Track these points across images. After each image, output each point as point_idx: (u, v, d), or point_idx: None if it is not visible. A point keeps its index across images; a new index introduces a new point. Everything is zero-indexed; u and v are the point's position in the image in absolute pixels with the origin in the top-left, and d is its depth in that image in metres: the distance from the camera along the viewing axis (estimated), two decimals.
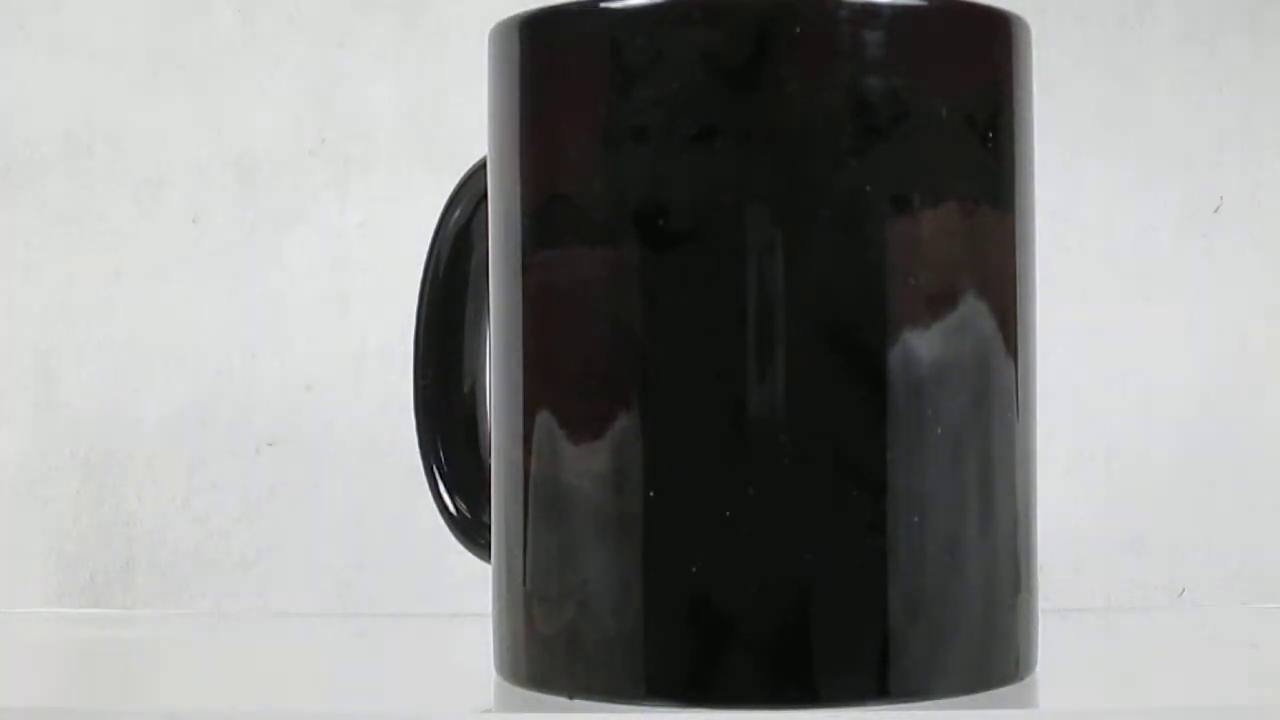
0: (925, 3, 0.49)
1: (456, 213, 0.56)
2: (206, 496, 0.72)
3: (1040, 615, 0.51)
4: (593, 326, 0.48)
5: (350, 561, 0.72)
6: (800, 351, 0.47)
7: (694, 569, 0.47)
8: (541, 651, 0.49)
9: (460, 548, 0.56)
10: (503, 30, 0.51)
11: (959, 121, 0.49)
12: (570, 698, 0.49)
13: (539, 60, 0.50)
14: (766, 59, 0.47)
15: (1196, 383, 0.72)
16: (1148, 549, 0.72)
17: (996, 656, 0.49)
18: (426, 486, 0.56)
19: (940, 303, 0.48)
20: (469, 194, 0.56)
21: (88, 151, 0.73)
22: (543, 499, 0.49)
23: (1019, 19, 0.51)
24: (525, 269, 0.50)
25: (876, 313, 0.47)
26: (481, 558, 0.54)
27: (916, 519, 0.48)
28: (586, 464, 0.48)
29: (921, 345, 0.48)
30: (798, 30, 0.47)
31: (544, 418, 0.49)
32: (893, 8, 0.48)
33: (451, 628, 0.65)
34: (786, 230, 0.47)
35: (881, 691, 0.48)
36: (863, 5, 0.48)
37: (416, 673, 0.57)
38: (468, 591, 0.57)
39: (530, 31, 0.50)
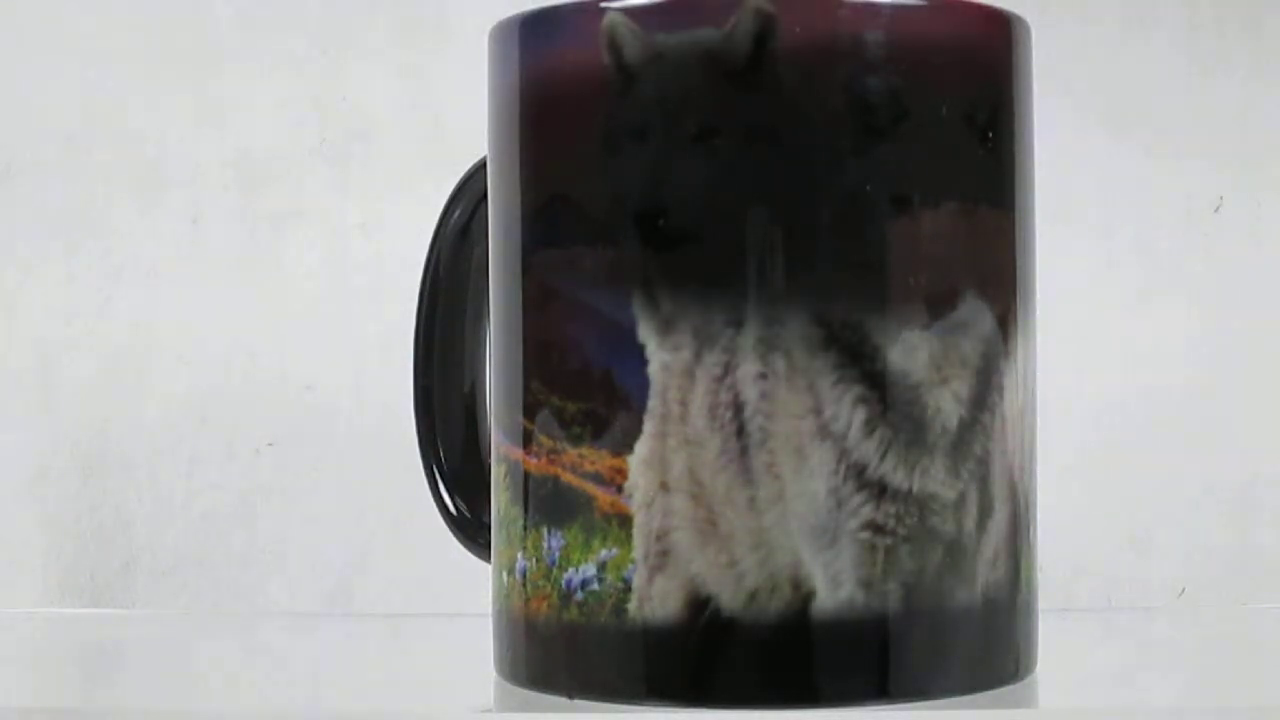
0: (925, 3, 0.49)
1: (456, 213, 0.56)
2: (206, 496, 0.72)
3: (1040, 615, 0.51)
4: (593, 326, 0.48)
5: (350, 561, 0.72)
6: (800, 351, 0.47)
7: (694, 568, 0.47)
8: (541, 651, 0.49)
9: (460, 548, 0.56)
10: (503, 30, 0.51)
11: (959, 121, 0.49)
12: (570, 698, 0.49)
13: (539, 60, 0.50)
14: (766, 59, 0.47)
15: (1196, 382, 0.72)
16: (1148, 549, 0.72)
17: (996, 656, 0.49)
18: (426, 486, 0.56)
19: (940, 303, 0.48)
20: (469, 194, 0.56)
21: (88, 151, 0.73)
22: (543, 499, 0.49)
23: (1019, 19, 0.51)
24: (525, 269, 0.50)
25: (876, 313, 0.47)
26: (481, 558, 0.54)
27: (916, 519, 0.48)
28: (586, 464, 0.48)
29: (921, 345, 0.48)
30: (798, 30, 0.47)
31: (544, 418, 0.49)
32: (893, 8, 0.48)
33: (451, 628, 0.65)
34: (786, 230, 0.47)
35: (881, 691, 0.48)
36: (863, 5, 0.48)
37: (416, 673, 0.57)
38: (468, 591, 0.57)
39: (530, 31, 0.50)
